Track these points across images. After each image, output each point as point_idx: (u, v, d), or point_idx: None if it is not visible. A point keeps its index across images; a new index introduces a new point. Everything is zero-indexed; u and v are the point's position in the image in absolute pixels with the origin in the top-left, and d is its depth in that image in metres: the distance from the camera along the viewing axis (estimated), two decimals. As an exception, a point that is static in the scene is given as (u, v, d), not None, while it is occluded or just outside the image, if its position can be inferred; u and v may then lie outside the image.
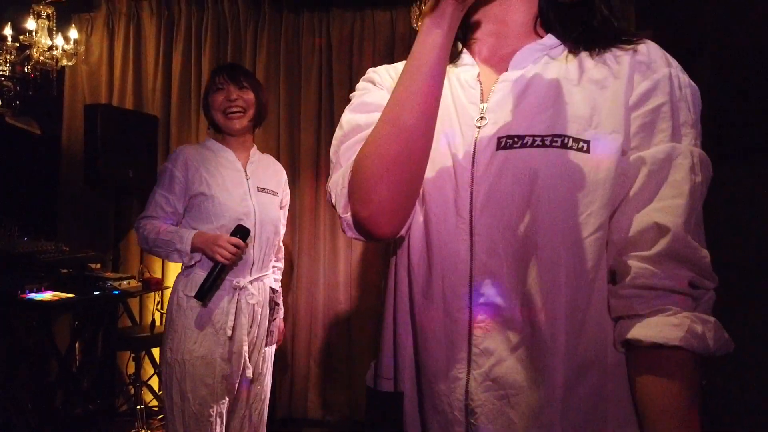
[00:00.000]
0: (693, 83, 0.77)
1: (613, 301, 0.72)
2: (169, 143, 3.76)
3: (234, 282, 2.06)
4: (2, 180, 3.58)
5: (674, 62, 0.78)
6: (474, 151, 0.78)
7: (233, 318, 2.04)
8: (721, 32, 2.23)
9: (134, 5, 3.86)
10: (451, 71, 0.87)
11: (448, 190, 0.78)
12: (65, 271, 2.97)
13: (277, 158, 3.62)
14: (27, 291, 2.62)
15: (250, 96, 2.15)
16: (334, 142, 0.91)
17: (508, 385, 0.72)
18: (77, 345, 3.34)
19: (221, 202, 2.07)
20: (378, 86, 0.95)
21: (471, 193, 0.76)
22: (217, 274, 1.98)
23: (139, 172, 3.54)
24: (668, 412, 0.67)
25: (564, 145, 0.72)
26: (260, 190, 2.20)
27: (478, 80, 0.85)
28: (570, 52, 0.81)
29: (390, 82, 0.94)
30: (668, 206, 0.69)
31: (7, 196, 3.56)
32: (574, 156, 0.71)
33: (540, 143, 0.73)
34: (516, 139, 0.75)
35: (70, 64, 3.62)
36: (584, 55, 0.79)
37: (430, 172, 0.79)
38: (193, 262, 2.04)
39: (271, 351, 2.25)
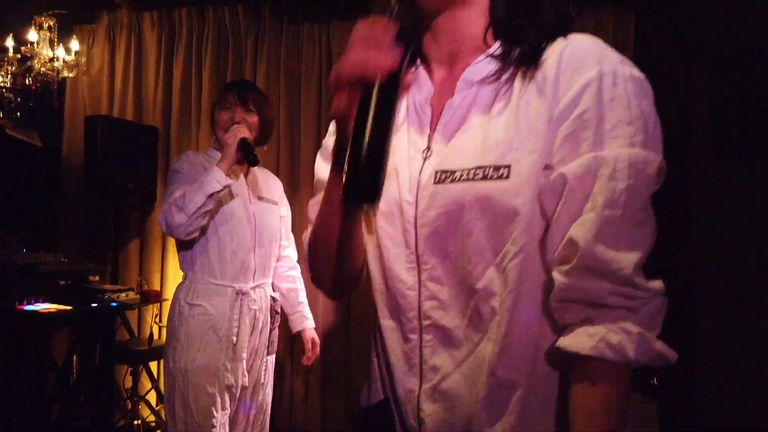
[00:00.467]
0: (636, 73, 0.73)
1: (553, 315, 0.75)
2: (169, 154, 3.76)
3: (237, 287, 2.08)
4: (2, 192, 3.58)
5: (610, 55, 0.73)
6: (418, 186, 0.80)
7: (237, 323, 2.05)
8: (721, 32, 2.22)
9: (135, 16, 3.88)
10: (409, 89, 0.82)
11: (397, 223, 0.82)
12: (64, 282, 2.96)
13: (277, 169, 3.62)
14: (25, 302, 2.61)
15: (254, 119, 2.18)
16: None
17: (452, 397, 0.79)
18: (74, 358, 3.31)
19: (221, 206, 2.09)
20: None
21: (416, 227, 0.80)
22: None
23: (138, 184, 3.53)
24: (586, 417, 0.70)
25: (485, 177, 0.74)
26: (260, 198, 2.23)
27: (430, 104, 0.84)
28: (510, 63, 0.77)
29: None
30: (582, 221, 0.69)
31: (6, 207, 3.55)
32: (493, 186, 0.73)
33: (466, 177, 0.75)
34: (449, 174, 0.77)
35: (71, 75, 3.63)
36: (521, 65, 0.77)
37: (383, 204, 0.83)
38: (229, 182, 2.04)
39: (272, 360, 2.25)
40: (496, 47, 0.79)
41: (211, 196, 1.97)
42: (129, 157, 3.47)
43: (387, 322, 0.87)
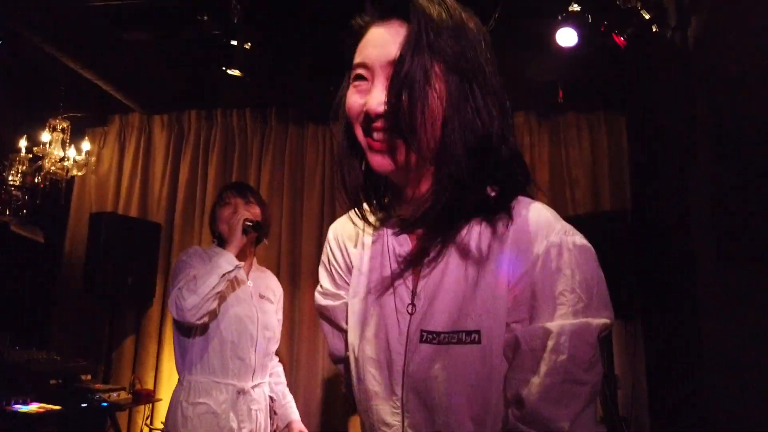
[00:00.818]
0: (583, 242, 0.82)
1: None
2: (171, 251, 3.78)
3: (238, 385, 2.05)
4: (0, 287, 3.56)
5: (557, 226, 0.82)
6: (407, 339, 0.87)
7: (240, 422, 2.03)
8: (715, 131, 2.31)
9: (146, 119, 4.05)
10: (387, 236, 0.92)
11: (385, 372, 0.88)
12: (54, 381, 2.87)
13: (278, 266, 3.63)
14: (13, 403, 2.51)
15: (256, 210, 2.22)
16: None
17: None
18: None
19: (226, 302, 2.10)
20: (328, 270, 1.06)
21: (403, 376, 0.86)
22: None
23: (137, 280, 3.52)
24: None
25: (459, 341, 0.82)
26: (261, 297, 2.24)
27: (410, 260, 0.90)
28: (475, 226, 0.85)
29: (343, 265, 1.01)
30: (529, 383, 0.77)
31: (2, 304, 3.51)
32: (468, 350, 0.81)
33: (445, 340, 0.83)
34: (433, 335, 0.84)
35: (80, 174, 3.73)
36: (483, 231, 0.84)
37: (371, 351, 0.90)
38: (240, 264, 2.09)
39: None
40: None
41: (223, 276, 1.99)
42: (131, 253, 3.49)
43: None
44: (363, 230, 0.97)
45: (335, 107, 0.90)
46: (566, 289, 0.78)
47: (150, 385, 3.56)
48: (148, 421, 3.42)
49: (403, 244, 0.90)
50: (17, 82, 3.62)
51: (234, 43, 2.93)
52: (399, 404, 0.86)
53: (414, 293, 0.87)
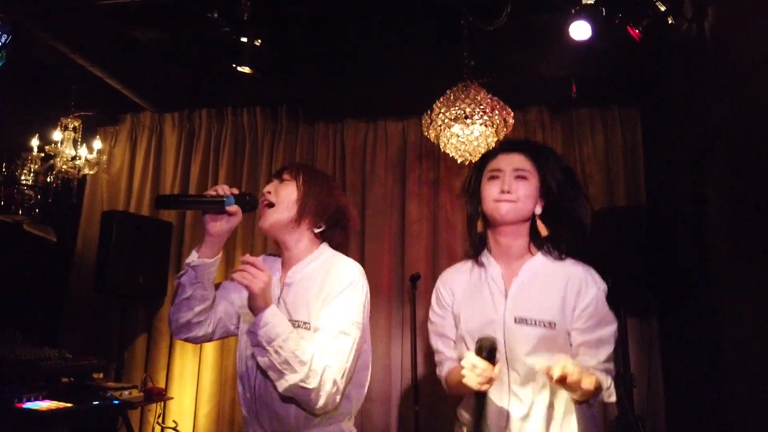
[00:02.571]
0: (602, 284, 1.67)
1: None
2: (182, 249, 3.78)
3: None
4: (12, 286, 3.58)
5: (597, 278, 1.68)
6: (504, 321, 1.63)
7: None
8: (730, 129, 2.27)
9: (158, 118, 4.06)
10: (481, 270, 1.76)
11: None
12: (66, 379, 2.87)
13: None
14: (24, 400, 2.51)
15: (288, 189, 1.70)
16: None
17: None
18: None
19: (239, 339, 1.76)
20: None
21: (505, 344, 1.61)
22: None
23: (148, 279, 3.52)
24: None
25: (545, 326, 1.60)
26: (293, 323, 1.59)
27: (502, 277, 1.71)
28: (549, 264, 1.70)
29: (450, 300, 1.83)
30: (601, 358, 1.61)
31: (15, 301, 3.53)
32: (547, 331, 1.60)
33: (533, 324, 1.61)
34: (526, 320, 1.62)
35: (91, 173, 3.74)
36: (557, 267, 1.69)
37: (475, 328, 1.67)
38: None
39: None
40: (539, 256, 1.72)
41: (179, 278, 1.64)
42: (142, 252, 3.49)
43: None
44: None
45: None
46: (606, 312, 1.67)
47: (162, 384, 3.56)
48: (160, 420, 3.42)
49: (494, 268, 1.75)
50: (29, 81, 3.63)
51: (244, 40, 2.92)
52: (504, 359, 1.61)
53: (507, 295, 1.69)
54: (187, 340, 1.74)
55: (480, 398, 1.44)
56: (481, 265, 1.78)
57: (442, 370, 1.78)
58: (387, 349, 3.49)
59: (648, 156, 3.49)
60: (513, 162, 1.77)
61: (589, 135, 3.60)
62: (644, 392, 3.17)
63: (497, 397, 1.62)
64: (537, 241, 1.74)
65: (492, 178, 1.76)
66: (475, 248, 1.80)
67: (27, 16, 2.75)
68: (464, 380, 1.40)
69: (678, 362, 3.11)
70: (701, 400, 2.72)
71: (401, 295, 3.55)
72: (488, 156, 1.86)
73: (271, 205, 1.69)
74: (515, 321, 1.64)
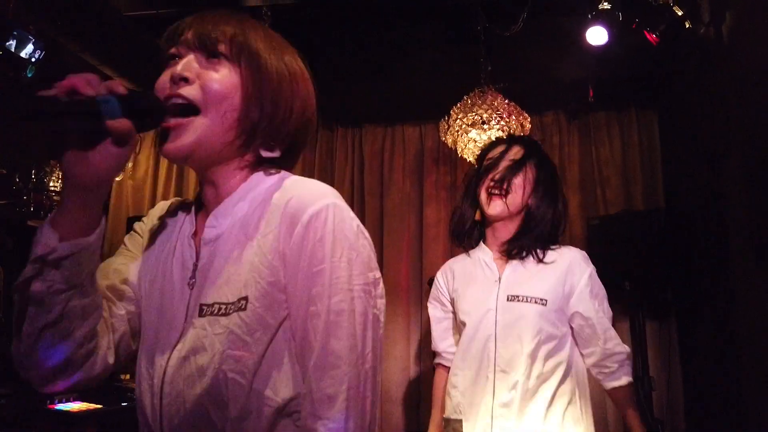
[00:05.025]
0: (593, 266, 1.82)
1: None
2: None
3: None
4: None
5: (588, 259, 1.83)
6: (497, 300, 1.77)
7: None
8: (748, 134, 2.27)
9: (180, 125, 4.14)
10: (474, 256, 1.89)
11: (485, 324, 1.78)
12: (95, 381, 2.95)
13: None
14: (56, 401, 2.60)
15: (222, 73, 0.89)
16: None
17: None
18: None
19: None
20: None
21: (496, 323, 1.75)
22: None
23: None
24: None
25: (536, 302, 1.72)
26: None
27: (494, 261, 1.84)
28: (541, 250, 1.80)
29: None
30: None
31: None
32: (539, 308, 1.72)
33: (525, 300, 1.73)
34: (518, 297, 1.75)
35: (117, 179, 3.84)
36: (549, 252, 1.80)
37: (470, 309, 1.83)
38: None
39: None
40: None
41: (25, 286, 0.81)
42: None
43: None
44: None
45: None
46: (601, 288, 1.86)
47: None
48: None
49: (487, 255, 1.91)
50: (57, 91, 3.72)
51: (265, 48, 2.98)
52: (493, 346, 1.74)
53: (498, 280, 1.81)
54: (67, 390, 0.95)
55: None
56: (474, 251, 1.89)
57: (433, 362, 2.00)
58: (406, 350, 3.54)
59: (665, 158, 3.48)
60: (508, 153, 1.83)
61: (606, 138, 3.60)
62: (664, 395, 3.17)
63: (483, 376, 1.71)
64: (528, 231, 1.81)
65: (487, 168, 1.84)
66: (471, 238, 1.92)
67: (57, 29, 2.84)
68: None
69: (697, 365, 3.10)
70: (721, 404, 2.72)
71: (420, 298, 3.59)
72: (489, 147, 1.95)
73: (187, 109, 0.87)
74: (507, 299, 1.74)
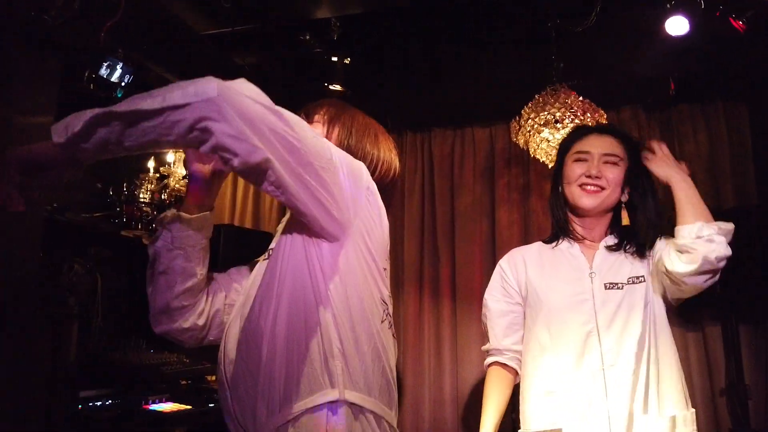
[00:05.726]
0: None
1: None
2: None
3: None
4: (133, 297, 3.91)
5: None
6: (593, 292, 1.68)
7: None
8: None
9: (256, 136, 4.30)
10: (554, 249, 1.81)
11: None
12: (184, 382, 3.11)
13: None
14: (150, 402, 2.76)
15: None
16: None
17: None
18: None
19: None
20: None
21: (596, 314, 1.67)
22: None
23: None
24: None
25: (635, 282, 1.67)
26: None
27: (582, 253, 1.76)
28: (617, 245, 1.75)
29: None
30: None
31: (139, 312, 3.86)
32: (637, 287, 1.68)
33: (622, 286, 1.67)
34: (616, 284, 1.68)
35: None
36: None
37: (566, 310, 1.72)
38: None
39: None
40: (614, 240, 1.78)
41: (152, 243, 1.27)
42: (246, 262, 3.70)
43: None
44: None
45: None
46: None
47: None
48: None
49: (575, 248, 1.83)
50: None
51: (334, 59, 3.04)
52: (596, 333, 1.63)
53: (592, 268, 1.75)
54: (167, 334, 1.31)
55: None
56: (555, 245, 1.79)
57: (486, 361, 1.87)
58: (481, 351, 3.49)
59: (759, 154, 3.25)
60: (604, 145, 1.73)
61: (691, 133, 3.41)
62: (761, 404, 2.96)
63: (590, 375, 1.60)
64: (616, 230, 1.75)
65: (578, 160, 1.74)
66: (559, 231, 1.81)
67: (143, 53, 3.03)
68: None
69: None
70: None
71: (494, 302, 3.54)
72: (575, 136, 1.82)
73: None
74: (606, 287, 1.65)
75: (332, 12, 2.89)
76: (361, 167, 1.21)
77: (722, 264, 1.53)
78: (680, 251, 1.55)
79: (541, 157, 2.99)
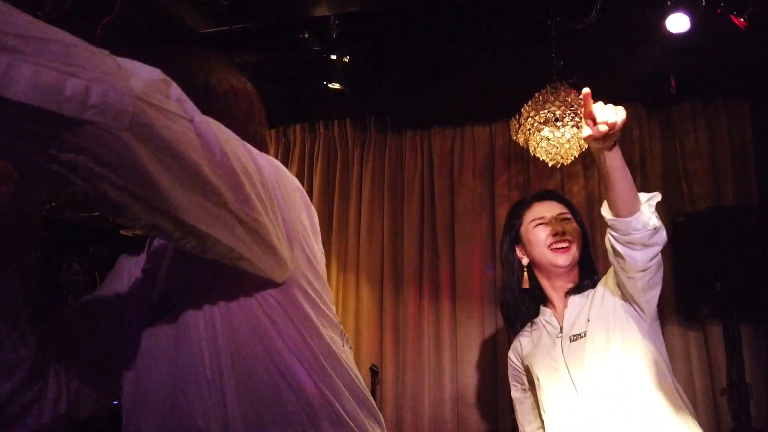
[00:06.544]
0: None
1: None
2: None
3: None
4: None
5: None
6: (562, 351, 1.77)
7: None
8: None
9: (256, 135, 4.29)
10: (537, 321, 1.91)
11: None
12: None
13: (382, 271, 3.70)
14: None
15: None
16: None
17: None
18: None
19: None
20: None
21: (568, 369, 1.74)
22: None
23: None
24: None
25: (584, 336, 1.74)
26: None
27: (554, 316, 1.87)
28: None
29: None
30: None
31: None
32: (590, 341, 1.71)
33: (585, 334, 1.72)
34: (579, 334, 1.73)
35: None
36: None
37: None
38: None
39: None
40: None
41: None
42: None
43: None
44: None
45: None
46: None
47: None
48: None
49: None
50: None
51: (333, 58, 3.03)
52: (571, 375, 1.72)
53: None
54: None
55: None
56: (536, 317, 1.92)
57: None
58: (480, 353, 3.49)
59: (760, 152, 3.24)
60: (552, 208, 1.90)
61: (691, 130, 3.40)
62: (762, 404, 2.95)
63: (581, 423, 1.68)
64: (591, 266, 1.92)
65: (538, 225, 1.86)
66: (533, 302, 1.94)
67: (140, 50, 3.02)
68: None
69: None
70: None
71: (492, 300, 3.53)
72: (521, 209, 1.96)
73: None
74: (570, 341, 1.74)
75: (331, 10, 2.88)
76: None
77: None
78: (632, 244, 1.46)
79: (541, 155, 2.98)
